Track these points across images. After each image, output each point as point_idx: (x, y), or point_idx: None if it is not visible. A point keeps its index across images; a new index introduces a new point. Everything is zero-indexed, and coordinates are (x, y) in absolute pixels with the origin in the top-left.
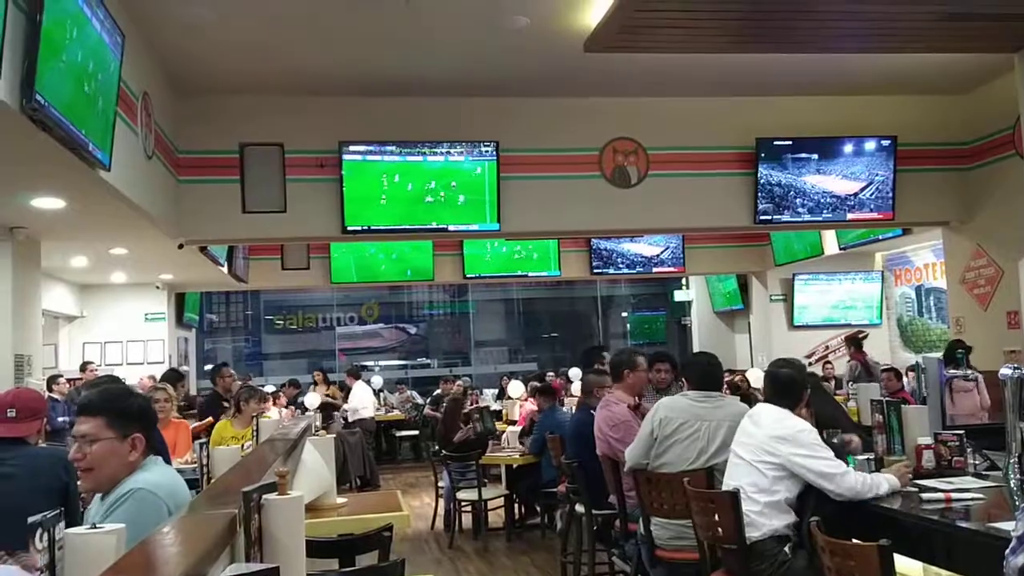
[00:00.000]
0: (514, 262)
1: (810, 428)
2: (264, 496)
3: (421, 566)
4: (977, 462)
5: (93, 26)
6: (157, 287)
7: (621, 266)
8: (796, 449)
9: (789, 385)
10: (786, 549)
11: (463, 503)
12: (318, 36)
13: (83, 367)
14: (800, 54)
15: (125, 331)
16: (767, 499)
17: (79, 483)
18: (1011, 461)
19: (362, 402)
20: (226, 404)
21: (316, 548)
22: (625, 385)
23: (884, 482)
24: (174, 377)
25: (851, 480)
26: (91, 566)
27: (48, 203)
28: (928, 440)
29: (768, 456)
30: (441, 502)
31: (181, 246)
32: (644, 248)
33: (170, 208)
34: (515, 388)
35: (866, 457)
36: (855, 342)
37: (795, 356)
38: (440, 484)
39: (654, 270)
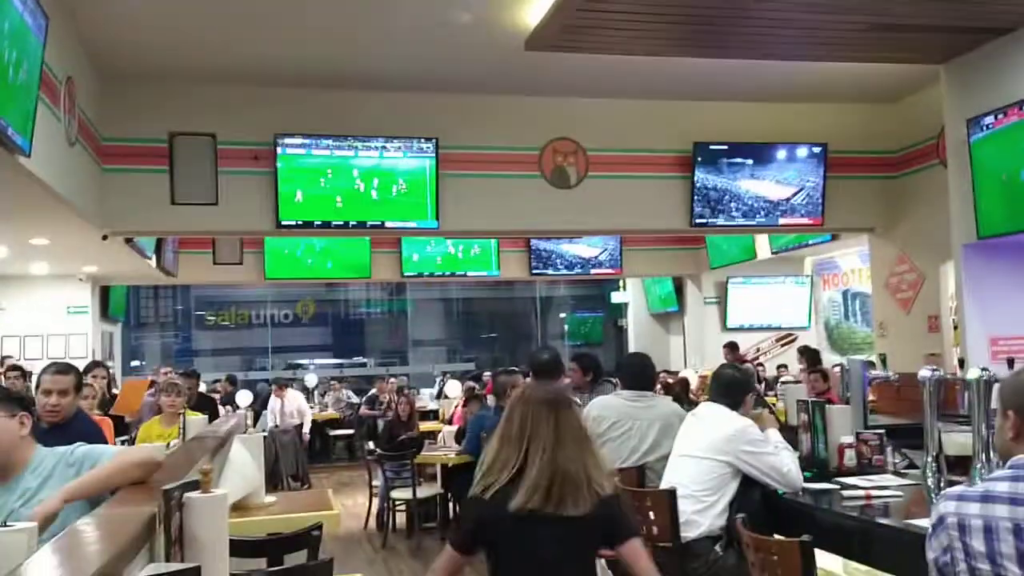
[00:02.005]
0: (453, 261)
1: (752, 425)
2: (186, 494)
3: (353, 566)
4: (897, 460)
5: (14, 6)
6: (80, 279)
7: (560, 267)
8: (745, 446)
9: (730, 385)
10: (717, 548)
11: (397, 502)
12: (253, 25)
13: (2, 361)
14: (737, 60)
15: (46, 324)
16: (712, 498)
17: None
18: (929, 460)
19: (301, 409)
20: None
21: (243, 547)
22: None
23: (792, 452)
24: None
25: (791, 469)
26: (1, 564)
27: None
28: (850, 439)
29: (718, 455)
30: (375, 501)
31: (105, 237)
32: (582, 249)
33: (94, 197)
34: (453, 387)
35: None
36: (732, 345)
37: (736, 363)
38: (374, 483)
39: (592, 271)
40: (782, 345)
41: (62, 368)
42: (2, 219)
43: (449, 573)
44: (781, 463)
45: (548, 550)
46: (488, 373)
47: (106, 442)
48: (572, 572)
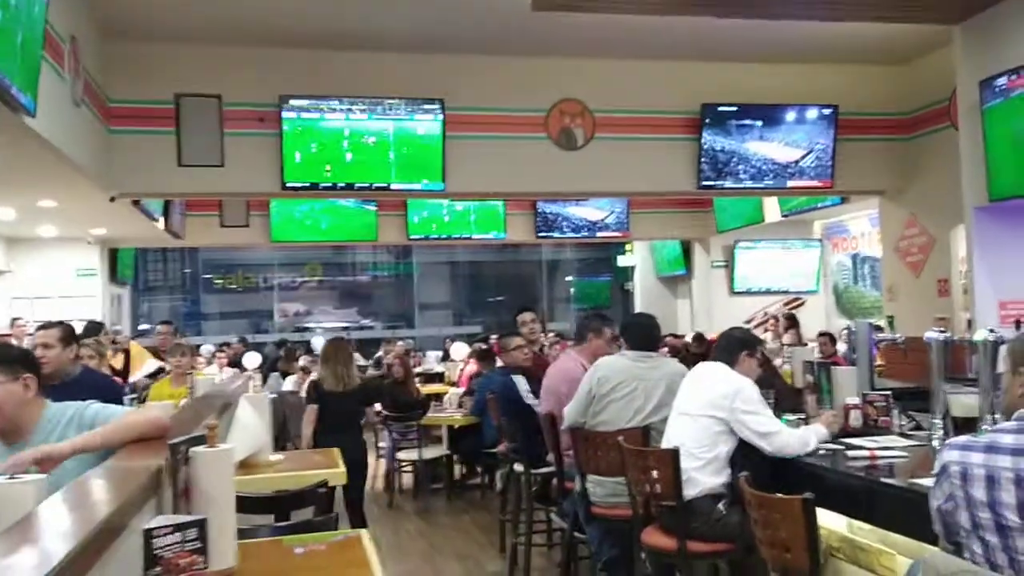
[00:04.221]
0: (459, 224)
1: (751, 385)
2: (192, 448)
3: None
4: (903, 422)
5: None
6: (89, 242)
7: (566, 230)
8: (739, 404)
9: (727, 343)
10: (720, 506)
11: (403, 463)
12: None
13: (13, 322)
14: (746, 20)
15: (55, 287)
16: (708, 455)
17: None
18: (935, 421)
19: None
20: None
21: (251, 503)
22: (587, 348)
23: (813, 437)
24: (94, 329)
25: (784, 439)
26: (8, 515)
27: None
28: (856, 400)
29: (712, 411)
30: (382, 462)
31: (113, 199)
32: (589, 212)
33: (101, 159)
34: (458, 350)
35: (797, 417)
36: (699, 338)
37: (734, 322)
38: (381, 444)
39: (599, 234)
40: (790, 309)
41: (44, 324)
42: (9, 181)
43: (314, 419)
44: (767, 428)
45: (341, 405)
46: (495, 336)
47: (117, 394)
48: (351, 415)
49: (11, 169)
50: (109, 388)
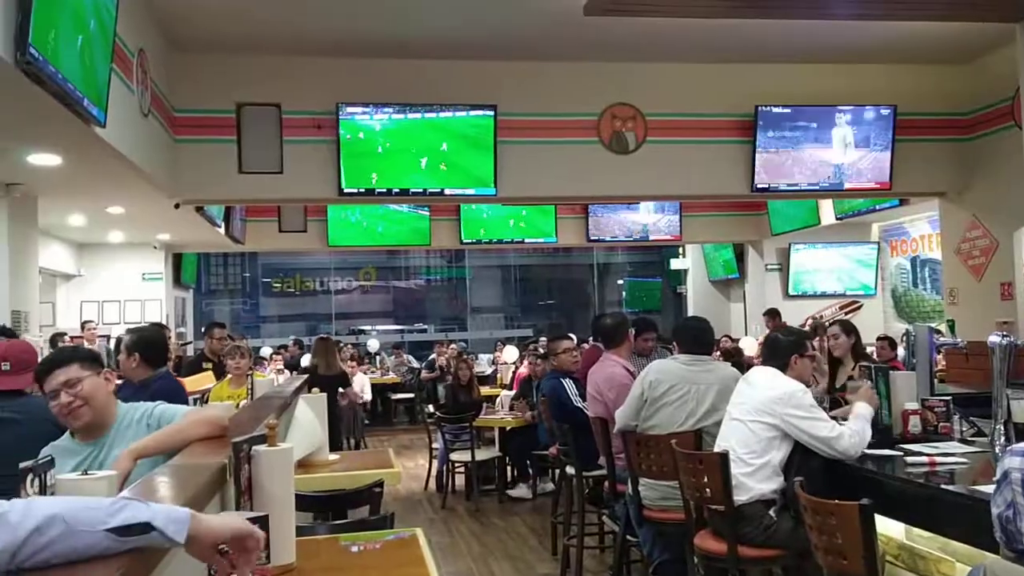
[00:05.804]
0: (511, 228)
1: (804, 389)
2: (254, 447)
3: (414, 524)
4: (964, 428)
5: None
6: (155, 247)
7: (618, 234)
8: (793, 410)
9: (774, 346)
10: (771, 512)
11: (456, 464)
12: None
13: (83, 326)
14: (800, 20)
15: (123, 291)
16: (759, 461)
17: (75, 424)
18: (997, 427)
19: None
20: (206, 366)
21: (307, 502)
22: (624, 348)
23: (863, 422)
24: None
25: (846, 442)
26: None
27: (44, 159)
28: (915, 405)
29: (764, 417)
30: (435, 463)
31: (178, 206)
32: (641, 216)
33: (167, 167)
34: (509, 353)
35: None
36: (772, 312)
37: (790, 326)
38: (434, 446)
39: (651, 238)
40: (846, 313)
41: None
42: (81, 188)
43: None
44: (827, 432)
45: (327, 386)
46: (544, 338)
47: (185, 399)
48: (332, 392)
49: (83, 177)
50: (175, 391)
